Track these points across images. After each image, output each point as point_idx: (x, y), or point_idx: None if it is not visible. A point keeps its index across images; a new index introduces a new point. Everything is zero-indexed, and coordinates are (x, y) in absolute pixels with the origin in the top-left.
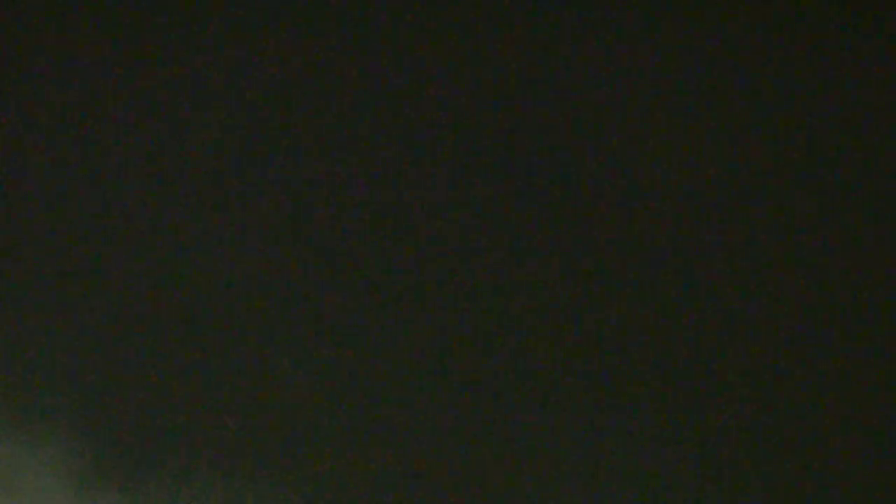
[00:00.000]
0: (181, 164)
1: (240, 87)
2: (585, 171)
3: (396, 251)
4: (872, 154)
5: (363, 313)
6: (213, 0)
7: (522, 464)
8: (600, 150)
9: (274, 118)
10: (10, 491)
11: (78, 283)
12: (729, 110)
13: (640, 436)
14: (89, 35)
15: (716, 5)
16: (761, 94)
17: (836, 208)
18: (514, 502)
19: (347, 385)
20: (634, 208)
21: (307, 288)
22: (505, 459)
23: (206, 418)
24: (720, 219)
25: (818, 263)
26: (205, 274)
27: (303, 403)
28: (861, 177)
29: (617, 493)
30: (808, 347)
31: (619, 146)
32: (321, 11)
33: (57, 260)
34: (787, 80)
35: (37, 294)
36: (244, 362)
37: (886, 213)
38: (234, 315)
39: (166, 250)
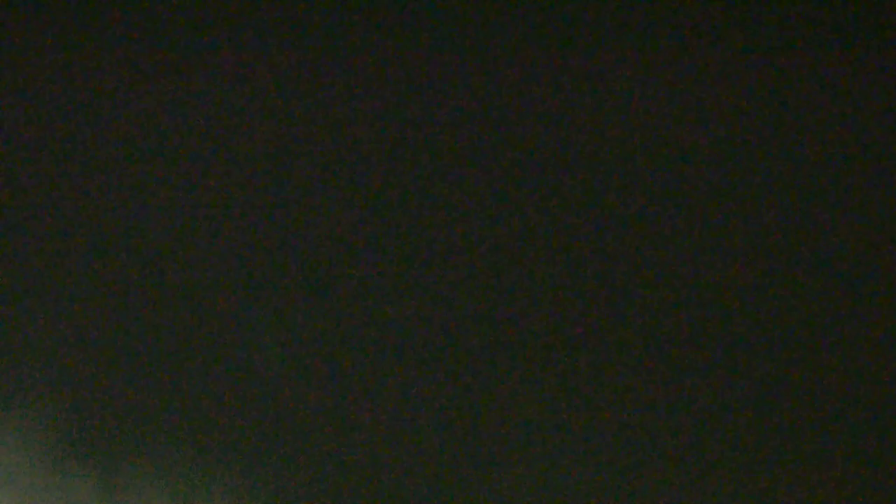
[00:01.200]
0: (158, 154)
1: (222, 87)
2: (578, 172)
3: (381, 244)
4: (872, 156)
5: (347, 299)
6: (217, 9)
7: (508, 457)
8: (588, 149)
9: (258, 117)
10: None
11: (57, 266)
12: (727, 112)
13: (630, 433)
14: (93, 38)
15: (716, 10)
16: (761, 97)
17: (834, 210)
18: (497, 492)
19: (330, 373)
20: (621, 208)
21: (288, 275)
22: (487, 451)
23: (182, 401)
24: (709, 219)
25: (812, 265)
26: (185, 260)
27: (281, 389)
28: (861, 178)
29: (603, 487)
30: (800, 348)
31: (607, 146)
32: (320, 18)
33: (37, 245)
34: (787, 83)
35: (16, 278)
36: (222, 347)
37: (886, 213)
38: (214, 301)
39: (146, 237)
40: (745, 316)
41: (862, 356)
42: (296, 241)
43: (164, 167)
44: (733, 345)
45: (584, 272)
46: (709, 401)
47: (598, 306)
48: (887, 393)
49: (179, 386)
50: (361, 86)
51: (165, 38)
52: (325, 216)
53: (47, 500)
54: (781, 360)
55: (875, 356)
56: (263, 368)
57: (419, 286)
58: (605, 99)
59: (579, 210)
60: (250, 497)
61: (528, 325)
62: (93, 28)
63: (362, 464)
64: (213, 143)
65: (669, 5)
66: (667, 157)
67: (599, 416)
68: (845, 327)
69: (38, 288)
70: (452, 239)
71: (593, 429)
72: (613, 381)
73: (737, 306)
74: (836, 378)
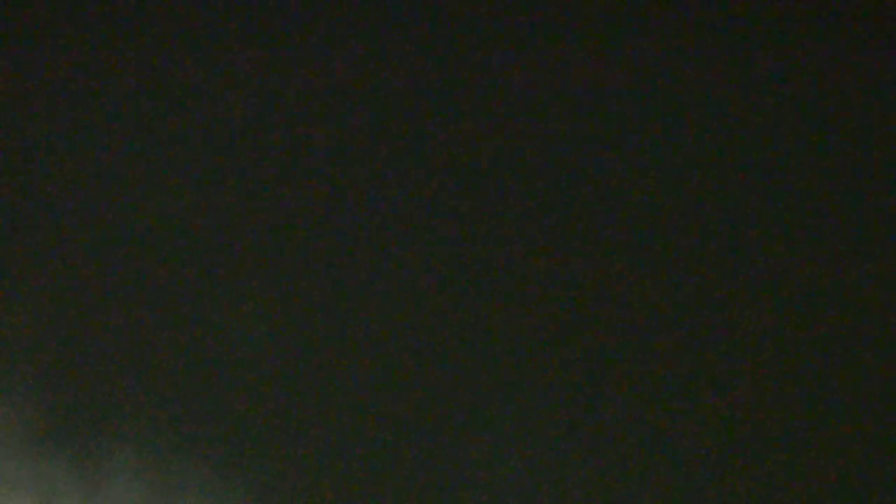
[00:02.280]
0: (132, 133)
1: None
2: (578, 173)
3: (366, 220)
4: (872, 156)
5: (331, 275)
6: (216, 9)
7: (493, 449)
8: (586, 150)
9: (234, 97)
10: None
11: (32, 248)
12: (726, 113)
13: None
14: (91, 39)
15: (715, 11)
16: (760, 97)
17: (834, 209)
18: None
19: (315, 355)
20: (622, 209)
21: (268, 255)
22: (472, 443)
23: (161, 385)
24: (708, 220)
25: (807, 266)
26: (162, 242)
27: (263, 371)
28: (861, 178)
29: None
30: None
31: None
32: (320, 20)
33: (11, 229)
34: (786, 83)
35: None
36: (199, 332)
37: (887, 213)
38: (194, 283)
39: (122, 219)
40: (744, 317)
41: (862, 358)
42: (275, 216)
43: (138, 145)
44: (732, 346)
45: (579, 271)
46: (708, 402)
47: (594, 305)
48: (887, 394)
49: (158, 370)
50: (321, 59)
51: (135, 24)
52: (306, 191)
53: (24, 485)
54: (780, 363)
55: (875, 357)
56: (245, 351)
57: (405, 264)
58: (606, 99)
59: (574, 207)
60: (229, 480)
61: (523, 301)
62: (68, 20)
63: (346, 448)
64: (189, 118)
65: (669, 6)
66: (668, 159)
67: (596, 420)
68: (847, 329)
69: (13, 271)
70: (438, 217)
71: (588, 428)
72: (611, 382)
73: (736, 307)
74: (839, 379)
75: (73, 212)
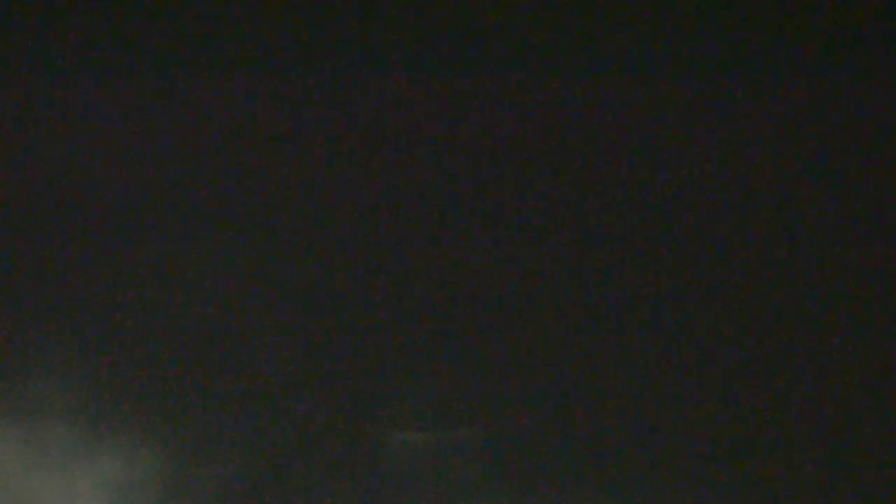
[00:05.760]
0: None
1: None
2: (582, 167)
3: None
4: (872, 156)
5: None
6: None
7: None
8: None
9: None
10: None
11: None
12: (726, 112)
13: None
14: (89, 37)
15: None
16: (760, 97)
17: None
18: None
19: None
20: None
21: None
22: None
23: (92, 324)
24: (712, 215)
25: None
26: (100, 183)
27: (190, 317)
28: (861, 178)
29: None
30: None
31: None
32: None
33: None
34: (786, 83)
35: None
36: (135, 272)
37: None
38: (131, 228)
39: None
40: (741, 316)
41: (862, 358)
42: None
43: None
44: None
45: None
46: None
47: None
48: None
49: (88, 306)
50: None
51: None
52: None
53: None
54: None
55: (874, 357)
56: (181, 295)
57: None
58: (607, 97)
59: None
60: (155, 418)
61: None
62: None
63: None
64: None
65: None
66: (668, 157)
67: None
68: (844, 328)
69: None
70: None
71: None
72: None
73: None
74: (836, 379)
75: (11, 151)
